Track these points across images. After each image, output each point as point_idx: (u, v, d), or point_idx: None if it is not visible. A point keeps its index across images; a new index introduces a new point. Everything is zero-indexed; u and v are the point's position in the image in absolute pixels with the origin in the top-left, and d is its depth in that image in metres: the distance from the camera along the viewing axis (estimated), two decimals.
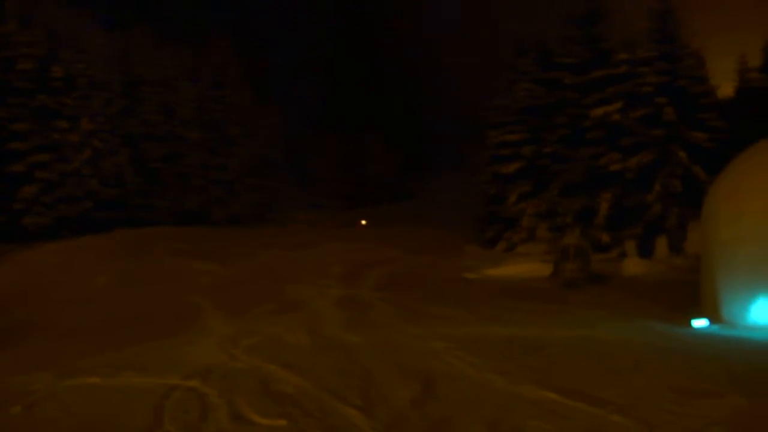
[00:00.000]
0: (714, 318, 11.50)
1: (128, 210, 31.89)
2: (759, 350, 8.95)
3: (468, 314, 13.64)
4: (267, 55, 54.54)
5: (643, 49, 24.64)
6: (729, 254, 11.22)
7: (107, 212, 30.48)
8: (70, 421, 7.04)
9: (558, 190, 27.07)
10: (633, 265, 21.92)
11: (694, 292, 13.21)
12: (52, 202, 28.77)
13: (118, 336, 12.72)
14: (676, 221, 23.13)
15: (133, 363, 9.80)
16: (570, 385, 7.09)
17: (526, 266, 23.20)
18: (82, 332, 13.23)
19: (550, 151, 27.43)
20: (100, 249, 26.55)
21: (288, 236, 33.35)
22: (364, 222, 39.42)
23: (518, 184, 28.35)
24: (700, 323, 11.46)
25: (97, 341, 12.09)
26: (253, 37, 58.00)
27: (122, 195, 31.55)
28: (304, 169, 52.06)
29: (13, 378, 9.13)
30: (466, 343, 9.71)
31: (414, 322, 12.45)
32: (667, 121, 23.40)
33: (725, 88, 27.12)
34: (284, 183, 43.50)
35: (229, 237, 31.84)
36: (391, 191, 54.10)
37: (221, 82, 37.35)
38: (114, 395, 8.02)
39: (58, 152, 29.15)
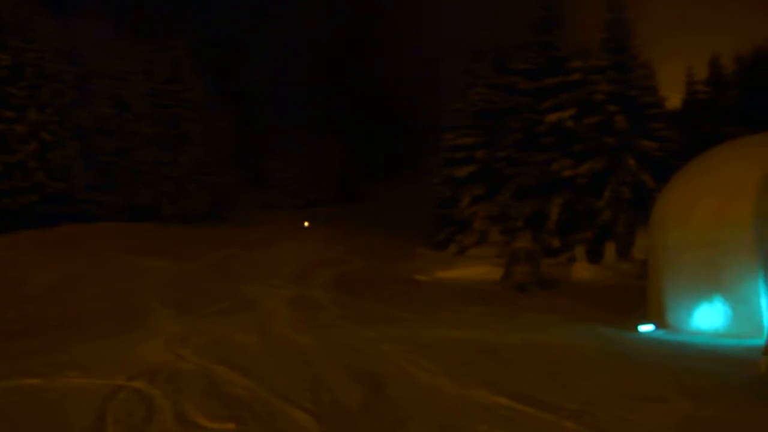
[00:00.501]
0: (659, 323, 11.77)
1: (76, 204, 31.11)
2: (702, 356, 9.20)
3: (419, 317, 13.72)
4: (226, 50, 53.75)
5: (596, 58, 25.19)
6: (674, 259, 11.48)
7: (54, 206, 29.70)
8: (3, 425, 6.81)
9: (510, 193, 27.45)
10: (582, 270, 22.32)
11: (641, 298, 13.51)
12: None
13: (61, 335, 12.39)
14: (625, 227, 23.68)
15: (77, 363, 9.55)
16: (522, 390, 7.17)
17: (477, 269, 23.42)
18: (21, 332, 12.82)
19: (504, 156, 27.80)
20: (46, 244, 25.88)
21: (240, 235, 33.09)
22: (307, 224, 38.38)
23: (471, 187, 28.66)
24: (646, 328, 11.72)
25: (38, 341, 11.75)
26: (214, 32, 57.19)
27: (70, 189, 30.77)
28: (258, 168, 51.63)
29: None
30: (417, 347, 9.75)
31: (365, 324, 12.45)
32: (619, 129, 23.96)
33: (673, 99, 27.96)
34: (238, 181, 43.07)
35: (180, 234, 31.41)
36: (346, 193, 54.06)
37: (176, 76, 36.72)
38: (54, 397, 7.79)
39: (2, 143, 28.26)
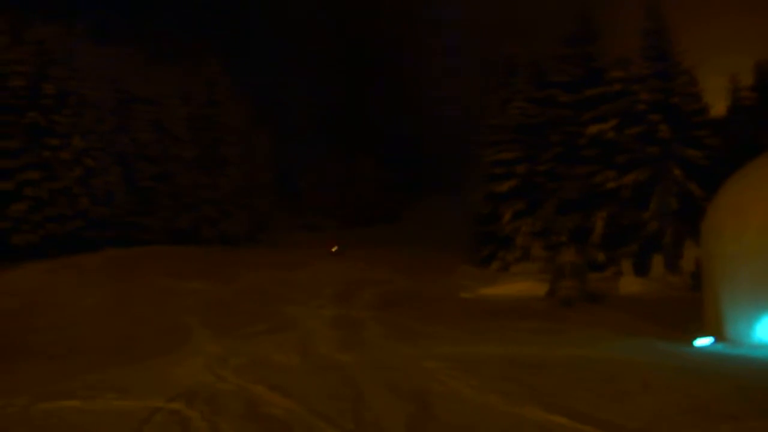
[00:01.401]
0: (718, 336, 11.17)
1: (119, 229, 31.47)
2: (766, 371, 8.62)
3: (463, 333, 13.31)
4: (262, 75, 54.39)
5: (637, 67, 24.61)
6: (732, 270, 10.91)
7: (97, 231, 30.09)
8: None
9: (553, 208, 26.88)
10: (629, 284, 21.67)
11: (693, 311, 12.93)
12: (41, 221, 28.34)
13: (102, 357, 12.33)
14: (672, 239, 22.91)
15: (115, 385, 9.41)
16: (577, 408, 6.73)
17: (521, 285, 22.91)
18: (65, 354, 12.81)
19: (545, 169, 27.29)
20: (88, 268, 26.18)
21: (280, 256, 33.02)
22: (335, 248, 34.47)
23: (512, 202, 28.15)
24: (703, 342, 11.12)
25: (80, 363, 11.68)
26: (247, 57, 57.95)
27: (113, 214, 31.15)
28: (296, 190, 51.82)
29: None
30: (462, 363, 9.36)
31: (407, 342, 12.11)
32: (662, 138, 23.29)
33: (718, 106, 27.11)
34: (276, 204, 43.21)
35: (220, 257, 31.49)
36: (384, 212, 53.83)
37: (214, 101, 37.11)
38: (91, 419, 7.64)
39: (48, 170, 28.78)
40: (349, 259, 33.40)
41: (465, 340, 12.49)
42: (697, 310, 12.60)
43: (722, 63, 30.35)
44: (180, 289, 22.99)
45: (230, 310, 19.10)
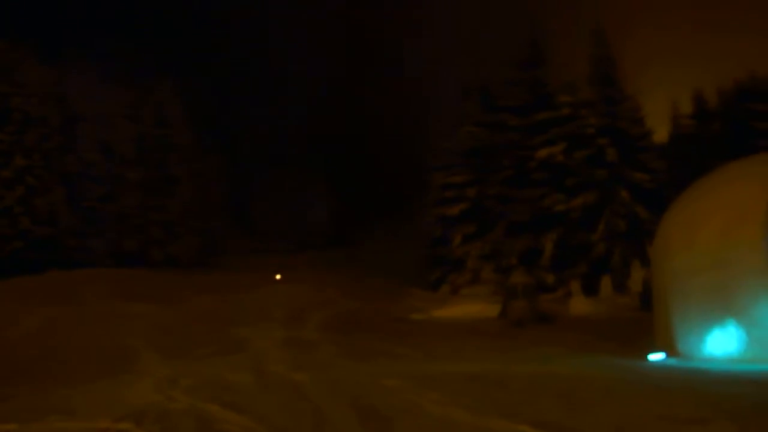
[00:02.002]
0: (670, 351, 11.32)
1: (62, 251, 30.50)
2: (724, 380, 8.75)
3: (418, 352, 13.23)
4: (213, 95, 53.86)
5: (584, 92, 25.27)
6: (681, 284, 11.10)
7: (40, 252, 29.07)
8: None
9: (503, 231, 27.17)
10: (579, 305, 22.00)
11: (642, 329, 13.14)
12: None
13: (42, 380, 11.78)
14: (620, 260, 23.40)
15: (59, 407, 8.98)
16: (543, 418, 6.69)
17: (473, 307, 23.03)
18: (3, 377, 12.18)
19: (495, 193, 27.62)
20: (29, 291, 25.21)
21: (229, 280, 32.46)
22: (278, 276, 33.02)
23: (463, 226, 28.37)
24: (656, 357, 11.26)
25: (17, 386, 11.11)
26: (198, 75, 57.41)
27: (56, 235, 30.20)
28: (247, 213, 51.21)
29: None
30: (421, 380, 9.26)
31: (363, 361, 11.96)
32: (610, 161, 23.89)
33: (660, 131, 28.03)
34: (226, 226, 42.57)
35: (167, 280, 30.76)
36: (336, 236, 53.62)
37: (164, 121, 36.51)
38: None
39: None
40: (299, 282, 33.05)
41: (421, 358, 12.41)
42: (646, 328, 12.79)
43: (662, 89, 31.46)
44: (126, 312, 22.32)
45: (178, 333, 18.58)
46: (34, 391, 10.64)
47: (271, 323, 20.16)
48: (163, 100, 36.79)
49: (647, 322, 13.03)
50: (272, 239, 51.11)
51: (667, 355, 11.31)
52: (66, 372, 12.78)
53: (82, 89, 33.51)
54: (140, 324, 20.04)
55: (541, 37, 27.81)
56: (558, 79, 27.22)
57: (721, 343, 10.57)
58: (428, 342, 15.32)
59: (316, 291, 29.22)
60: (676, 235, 11.66)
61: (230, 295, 27.02)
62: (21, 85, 29.53)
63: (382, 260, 38.95)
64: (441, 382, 9.03)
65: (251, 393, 9.18)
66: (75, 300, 24.03)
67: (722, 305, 10.58)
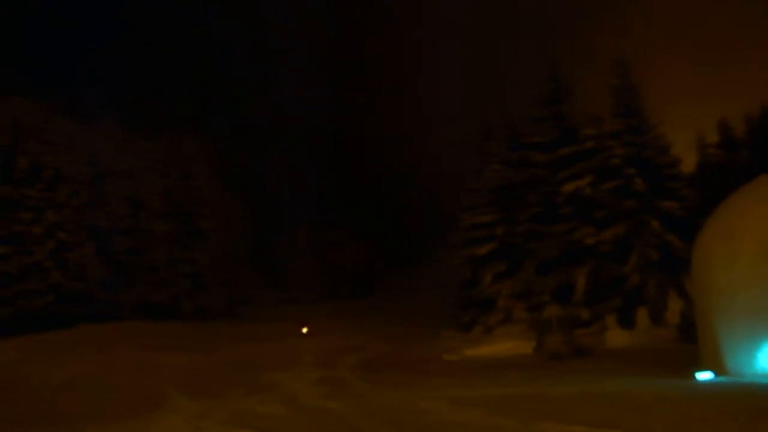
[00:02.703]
0: (718, 370, 10.80)
1: (93, 304, 30.59)
2: None
3: (454, 381, 12.84)
4: (238, 149, 54.66)
5: (609, 124, 25.07)
6: (726, 300, 10.67)
7: (70, 306, 29.19)
8: None
9: (533, 268, 26.69)
10: (616, 337, 21.36)
11: (685, 357, 12.61)
12: (12, 296, 27.49)
13: (72, 423, 11.63)
14: (656, 291, 22.77)
15: None
16: (595, 419, 6.31)
17: (506, 345, 22.52)
18: (37, 421, 12.07)
19: (523, 230, 27.22)
20: (61, 344, 25.22)
21: (258, 329, 32.28)
22: (305, 330, 30.01)
23: (492, 265, 27.94)
24: (704, 376, 10.74)
25: (52, 425, 10.97)
26: (223, 130, 58.46)
27: (86, 288, 30.35)
28: (273, 264, 51.23)
29: None
30: (458, 400, 8.94)
31: (397, 389, 11.61)
32: (638, 191, 23.49)
33: (687, 160, 27.61)
34: (253, 277, 42.57)
35: (196, 331, 30.64)
36: (363, 285, 53.31)
37: (190, 174, 37.00)
38: None
39: (19, 245, 28.14)
40: (328, 331, 32.73)
41: (457, 386, 12.03)
42: (690, 357, 12.25)
43: (687, 118, 31.20)
44: (157, 362, 22.16)
45: (209, 378, 18.42)
46: (67, 428, 10.51)
47: (302, 367, 19.89)
48: (189, 154, 37.33)
49: (690, 352, 12.50)
50: (298, 289, 50.97)
51: (716, 374, 10.81)
52: (97, 413, 12.67)
53: (110, 145, 34.19)
54: (171, 372, 19.90)
55: (561, 71, 27.79)
56: (581, 112, 27.07)
57: None
58: (463, 376, 14.90)
59: (345, 338, 28.91)
60: (716, 250, 11.29)
61: (259, 344, 26.82)
62: (51, 142, 30.21)
63: (411, 306, 38.58)
64: (480, 401, 8.70)
65: (285, 419, 8.94)
66: (106, 352, 23.94)
67: None
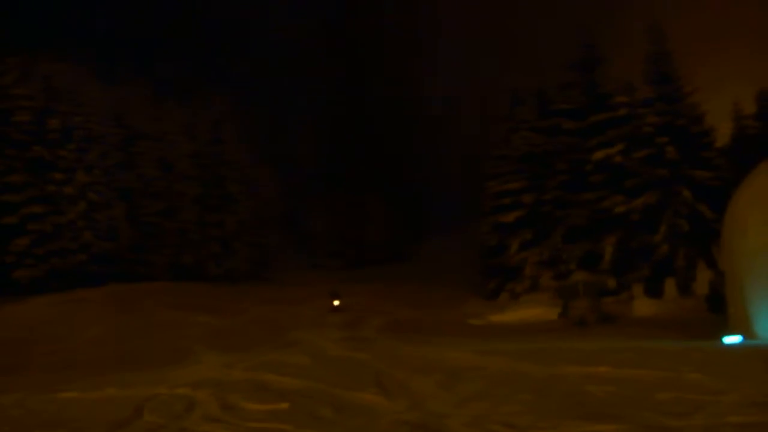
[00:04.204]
0: (746, 334, 10.65)
1: (122, 264, 31.11)
2: None
3: (480, 340, 12.86)
4: (268, 114, 54.75)
5: (641, 92, 24.57)
6: (757, 265, 10.47)
7: (101, 266, 29.71)
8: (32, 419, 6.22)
9: (561, 236, 26.48)
10: (643, 306, 21.15)
11: (713, 327, 12.41)
12: (45, 255, 28.03)
13: (105, 369, 11.96)
14: (684, 261, 22.46)
15: (117, 382, 9.02)
16: (622, 363, 6.27)
17: (532, 311, 22.48)
18: (61, 368, 12.40)
19: (551, 198, 26.96)
20: (91, 302, 25.74)
21: (285, 293, 32.58)
22: (337, 302, 25.84)
23: (519, 232, 27.76)
24: (732, 339, 10.61)
25: (77, 373, 11.26)
26: (253, 95, 58.56)
27: (117, 249, 30.83)
28: (301, 228, 51.51)
29: None
30: (484, 353, 8.95)
31: (423, 346, 11.65)
32: (670, 160, 23.07)
33: (722, 129, 26.96)
34: (281, 242, 42.83)
35: (224, 293, 31.03)
36: (389, 252, 53.38)
37: (219, 138, 37.18)
38: (92, 404, 7.21)
39: (52, 204, 28.61)
40: (356, 295, 32.89)
41: (482, 343, 12.05)
42: (718, 327, 12.06)
43: (724, 87, 30.41)
44: (184, 321, 22.54)
45: (236, 336, 18.67)
46: (97, 375, 10.75)
47: (328, 328, 20.05)
48: (219, 118, 37.48)
49: (717, 322, 12.32)
50: (325, 255, 51.26)
51: (744, 338, 10.66)
52: (125, 363, 12.93)
53: (140, 107, 34.44)
54: (198, 330, 20.25)
55: (594, 38, 27.26)
56: (614, 79, 26.56)
57: None
58: (487, 336, 14.91)
59: (373, 302, 29.05)
60: (748, 214, 11.08)
61: (286, 306, 27.07)
62: (82, 104, 30.47)
63: (439, 272, 38.64)
64: (505, 352, 8.71)
65: (310, 367, 9.05)
66: (135, 310, 24.38)
67: None
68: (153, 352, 15.64)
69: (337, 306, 25.36)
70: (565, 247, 26.26)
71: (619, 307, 21.08)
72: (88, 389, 8.36)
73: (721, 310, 13.22)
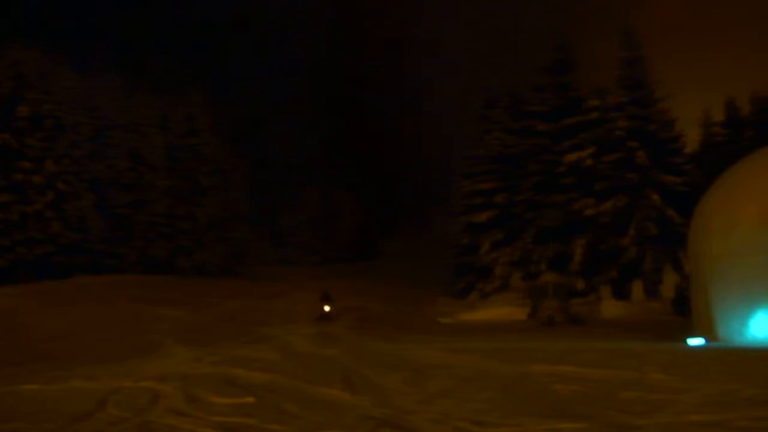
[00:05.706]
0: (709, 336, 10.87)
1: (91, 256, 30.63)
2: None
3: (448, 338, 12.94)
4: (242, 107, 54.38)
5: (613, 96, 24.88)
6: (721, 268, 10.70)
7: (69, 257, 29.24)
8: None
9: (531, 237, 26.72)
10: (610, 308, 21.45)
11: (678, 329, 12.64)
12: (11, 245, 27.52)
13: (67, 362, 11.72)
14: (652, 265, 22.83)
15: (82, 375, 8.89)
16: (588, 363, 6.40)
17: (501, 310, 22.61)
18: (26, 361, 12.17)
19: (523, 199, 27.19)
20: (57, 294, 25.35)
21: (255, 288, 32.41)
22: (327, 308, 22.01)
23: (490, 233, 27.95)
24: (695, 341, 10.82)
25: (43, 366, 11.06)
26: (228, 88, 58.13)
27: (85, 240, 30.35)
28: (273, 224, 51.25)
29: None
30: (451, 350, 9.03)
31: (392, 342, 11.70)
32: (640, 164, 23.41)
33: (691, 135, 27.42)
34: (253, 237, 42.52)
35: (194, 287, 30.78)
36: (362, 249, 53.42)
37: (192, 130, 36.77)
38: (53, 396, 7.10)
39: (19, 193, 28.08)
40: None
41: (449, 341, 12.12)
42: (683, 329, 12.29)
43: (693, 93, 30.90)
44: (152, 314, 22.27)
45: (205, 331, 18.48)
46: (61, 368, 10.59)
47: (298, 324, 19.98)
48: (192, 111, 37.06)
49: (683, 324, 12.57)
50: (298, 251, 51.06)
51: (707, 341, 10.87)
52: (91, 356, 12.72)
53: (113, 98, 33.91)
54: (166, 324, 19.99)
55: (568, 41, 27.53)
56: (586, 83, 26.86)
57: (764, 327, 10.13)
58: (456, 334, 15.00)
59: (344, 298, 29.00)
60: (714, 218, 11.30)
61: (257, 301, 26.92)
62: (52, 92, 29.94)
63: (410, 270, 38.71)
64: (475, 350, 8.79)
65: (278, 362, 9.03)
66: (103, 303, 24.06)
67: (764, 289, 10.18)
68: (120, 345, 15.40)
69: (326, 313, 21.51)
70: (535, 248, 26.49)
71: (587, 308, 21.34)
72: (52, 382, 8.23)
73: (686, 313, 13.44)
